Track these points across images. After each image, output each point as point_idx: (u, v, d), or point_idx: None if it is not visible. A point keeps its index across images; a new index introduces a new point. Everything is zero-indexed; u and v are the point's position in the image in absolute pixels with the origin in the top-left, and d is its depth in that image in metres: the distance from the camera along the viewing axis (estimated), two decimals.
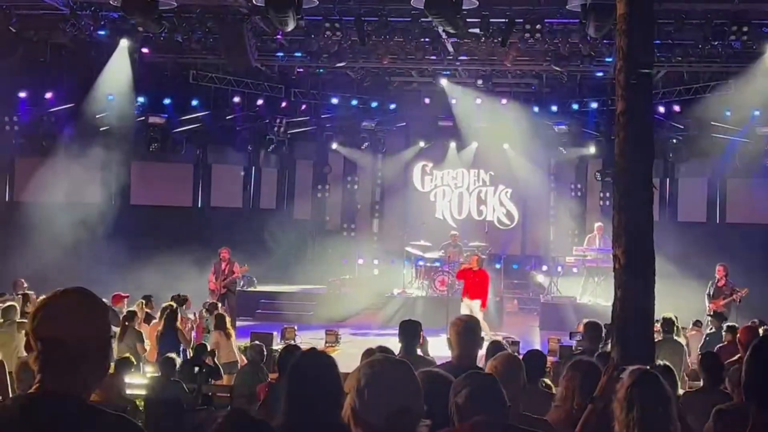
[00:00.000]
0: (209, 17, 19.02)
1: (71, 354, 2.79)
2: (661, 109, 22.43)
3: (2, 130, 22.38)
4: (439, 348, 10.07)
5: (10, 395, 9.13)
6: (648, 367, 4.58)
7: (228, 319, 15.04)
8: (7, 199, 24.28)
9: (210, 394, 12.25)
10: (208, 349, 13.38)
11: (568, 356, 11.19)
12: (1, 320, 12.71)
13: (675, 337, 11.85)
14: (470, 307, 18.34)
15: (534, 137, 25.03)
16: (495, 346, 7.83)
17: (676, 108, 22.96)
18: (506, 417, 4.01)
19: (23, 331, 12.06)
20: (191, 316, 16.11)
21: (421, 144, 26.46)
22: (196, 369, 12.26)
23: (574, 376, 5.41)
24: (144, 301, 16.58)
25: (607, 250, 20.40)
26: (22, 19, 19.05)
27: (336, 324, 19.85)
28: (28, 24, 19.22)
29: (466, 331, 6.02)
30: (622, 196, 7.65)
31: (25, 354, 9.59)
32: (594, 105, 24.12)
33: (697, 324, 15.70)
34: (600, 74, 21.96)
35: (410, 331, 7.81)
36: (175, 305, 14.81)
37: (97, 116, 22.50)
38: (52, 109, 22.38)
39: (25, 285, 17.06)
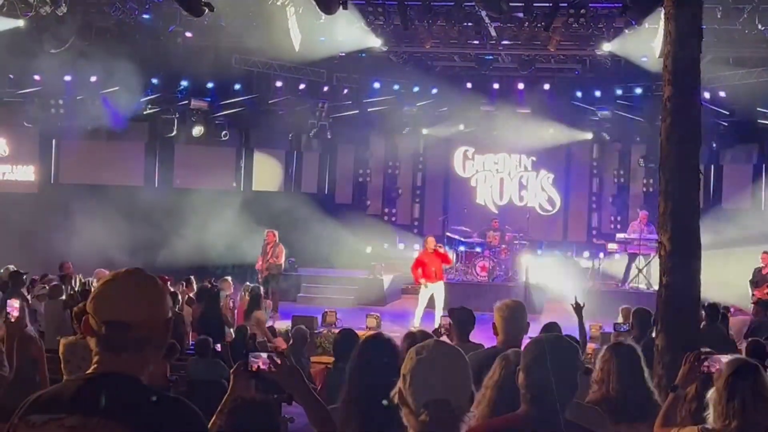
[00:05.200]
0: (253, 1, 19.06)
1: (135, 336, 2.80)
2: (707, 95, 22.14)
3: (48, 113, 22.60)
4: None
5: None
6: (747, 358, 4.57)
7: (268, 301, 15.12)
8: (52, 181, 24.55)
9: None
10: (249, 331, 13.47)
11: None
12: (49, 300, 12.88)
13: (719, 324, 11.76)
14: (433, 290, 18.17)
15: (577, 122, 24.87)
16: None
17: (722, 94, 22.68)
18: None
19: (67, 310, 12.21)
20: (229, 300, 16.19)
21: (463, 128, 26.31)
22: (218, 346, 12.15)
23: (611, 358, 5.39)
24: (185, 283, 16.73)
25: (650, 237, 20.27)
26: (69, 3, 19.19)
27: (377, 308, 19.91)
28: (74, 7, 19.36)
29: (512, 316, 5.96)
30: (668, 182, 7.59)
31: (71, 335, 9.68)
32: (638, 90, 23.87)
33: (727, 310, 15.45)
34: (644, 59, 21.72)
35: (463, 318, 7.66)
36: (217, 288, 14.92)
37: (141, 100, 22.68)
38: (97, 93, 22.54)
39: (71, 267, 17.25)
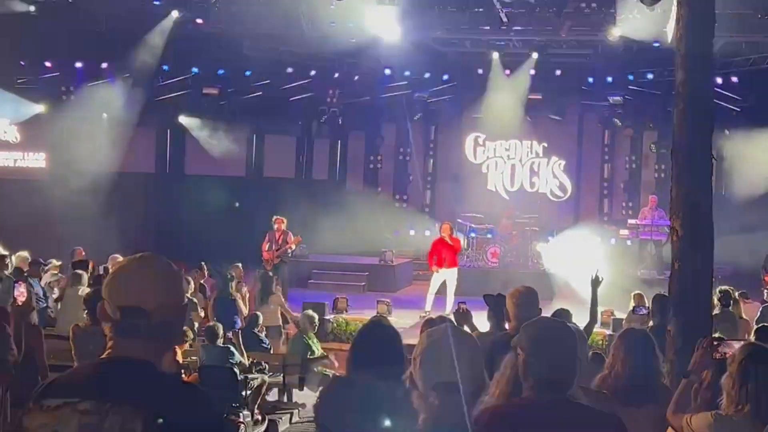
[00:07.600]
0: None
1: (151, 322, 2.78)
2: (719, 81, 22.02)
3: (59, 100, 22.62)
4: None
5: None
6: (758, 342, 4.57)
7: (278, 286, 15.11)
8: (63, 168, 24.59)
9: (263, 362, 12.34)
10: (260, 319, 13.48)
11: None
12: (70, 287, 12.90)
13: (732, 310, 11.74)
14: (446, 276, 18.18)
15: (588, 108, 24.79)
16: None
17: (735, 79, 22.57)
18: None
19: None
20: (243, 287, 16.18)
21: (474, 114, 26.24)
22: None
23: (620, 344, 5.38)
24: (197, 270, 16.74)
25: (661, 223, 20.22)
26: None
27: (388, 294, 19.90)
28: None
29: (524, 302, 5.96)
30: (680, 167, 7.56)
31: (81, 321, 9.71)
32: (650, 76, 23.76)
33: (744, 295, 15.39)
34: (656, 44, 21.62)
35: (500, 305, 7.45)
36: (229, 274, 14.93)
37: (152, 86, 22.68)
38: (108, 79, 22.56)
39: (83, 253, 17.25)
